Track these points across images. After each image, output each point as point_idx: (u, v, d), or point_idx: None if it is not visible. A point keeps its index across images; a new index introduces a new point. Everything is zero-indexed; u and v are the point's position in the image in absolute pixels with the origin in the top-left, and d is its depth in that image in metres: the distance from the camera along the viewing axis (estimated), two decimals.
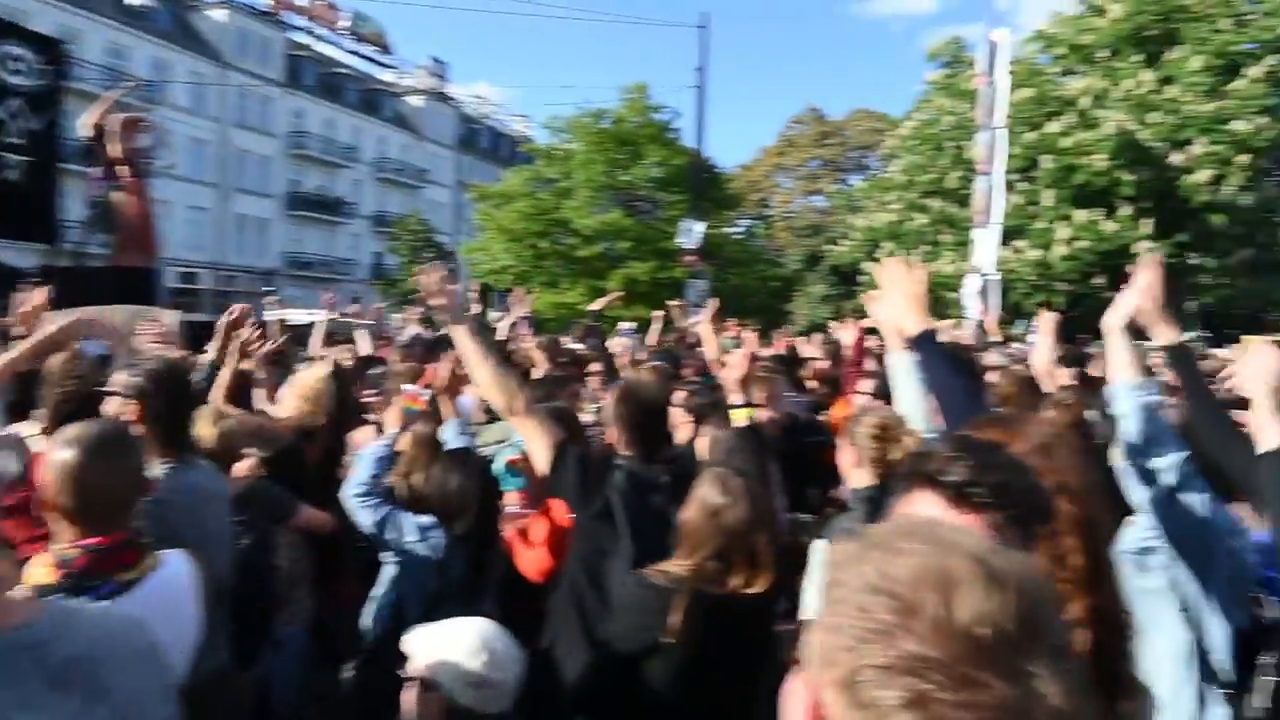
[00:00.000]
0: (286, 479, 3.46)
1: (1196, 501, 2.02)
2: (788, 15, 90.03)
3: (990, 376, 4.57)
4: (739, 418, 3.01)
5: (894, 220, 23.52)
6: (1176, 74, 20.09)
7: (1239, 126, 19.05)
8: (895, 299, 2.30)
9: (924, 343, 2.20)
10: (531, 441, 2.70)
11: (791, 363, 5.81)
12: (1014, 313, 17.83)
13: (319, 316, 8.42)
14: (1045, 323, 4.01)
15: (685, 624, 2.17)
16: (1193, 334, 22.35)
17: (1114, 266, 19.55)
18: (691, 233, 20.26)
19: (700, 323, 4.75)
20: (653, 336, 8.00)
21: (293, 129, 43.59)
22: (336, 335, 7.10)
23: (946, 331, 7.75)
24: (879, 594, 0.70)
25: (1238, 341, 16.93)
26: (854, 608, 0.71)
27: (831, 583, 0.74)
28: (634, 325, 11.74)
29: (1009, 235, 19.24)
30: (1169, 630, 2.12)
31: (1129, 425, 2.07)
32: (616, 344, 7.48)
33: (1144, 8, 20.96)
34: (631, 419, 3.03)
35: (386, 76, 50.90)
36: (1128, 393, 2.09)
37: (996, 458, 1.27)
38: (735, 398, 3.04)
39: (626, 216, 26.28)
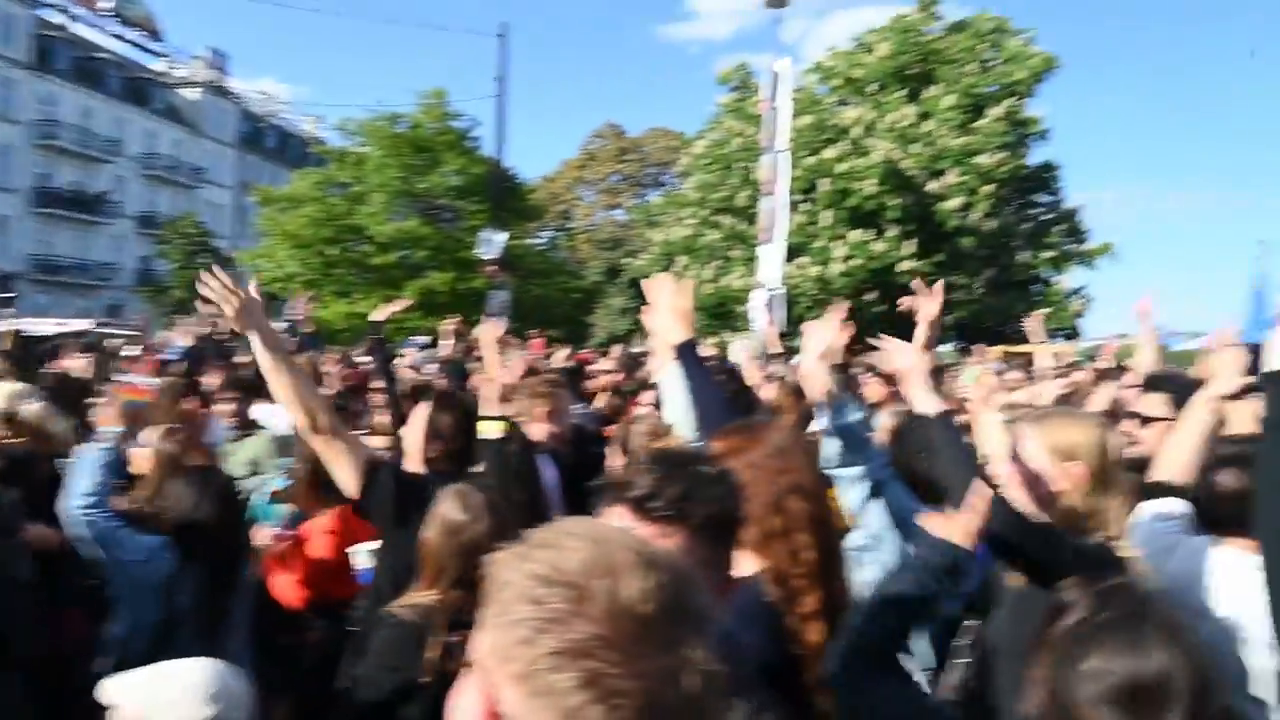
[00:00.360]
0: (18, 488, 3.05)
1: (892, 503, 2.27)
2: (589, 32, 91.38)
3: (767, 386, 4.84)
4: (490, 429, 2.90)
5: (689, 235, 24.42)
6: (933, 109, 22.31)
7: (984, 160, 21.43)
8: (663, 312, 2.35)
9: (685, 353, 2.29)
10: (337, 463, 2.54)
11: (576, 375, 5.85)
12: (798, 325, 19.03)
13: (69, 326, 7.54)
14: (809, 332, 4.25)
15: (441, 660, 2.08)
16: (949, 345, 24.84)
17: (883, 283, 21.38)
18: (492, 243, 20.02)
19: (486, 336, 4.65)
20: (445, 348, 7.82)
21: (41, 117, 38.93)
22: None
23: (739, 344, 8.17)
24: (552, 585, 0.74)
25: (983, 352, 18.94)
26: (527, 602, 0.74)
27: (499, 584, 0.78)
28: (427, 338, 11.41)
29: (792, 252, 20.52)
30: None
31: (832, 441, 2.32)
32: (407, 357, 7.24)
33: (905, 48, 23.15)
34: (455, 428, 2.93)
35: (157, 66, 46.67)
36: (830, 413, 2.36)
37: (680, 471, 1.30)
38: (491, 408, 2.93)
39: (425, 224, 25.59)
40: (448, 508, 2.24)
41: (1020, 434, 2.15)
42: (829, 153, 21.72)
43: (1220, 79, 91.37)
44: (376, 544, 3.06)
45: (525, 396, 4.25)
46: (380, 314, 5.31)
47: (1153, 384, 3.86)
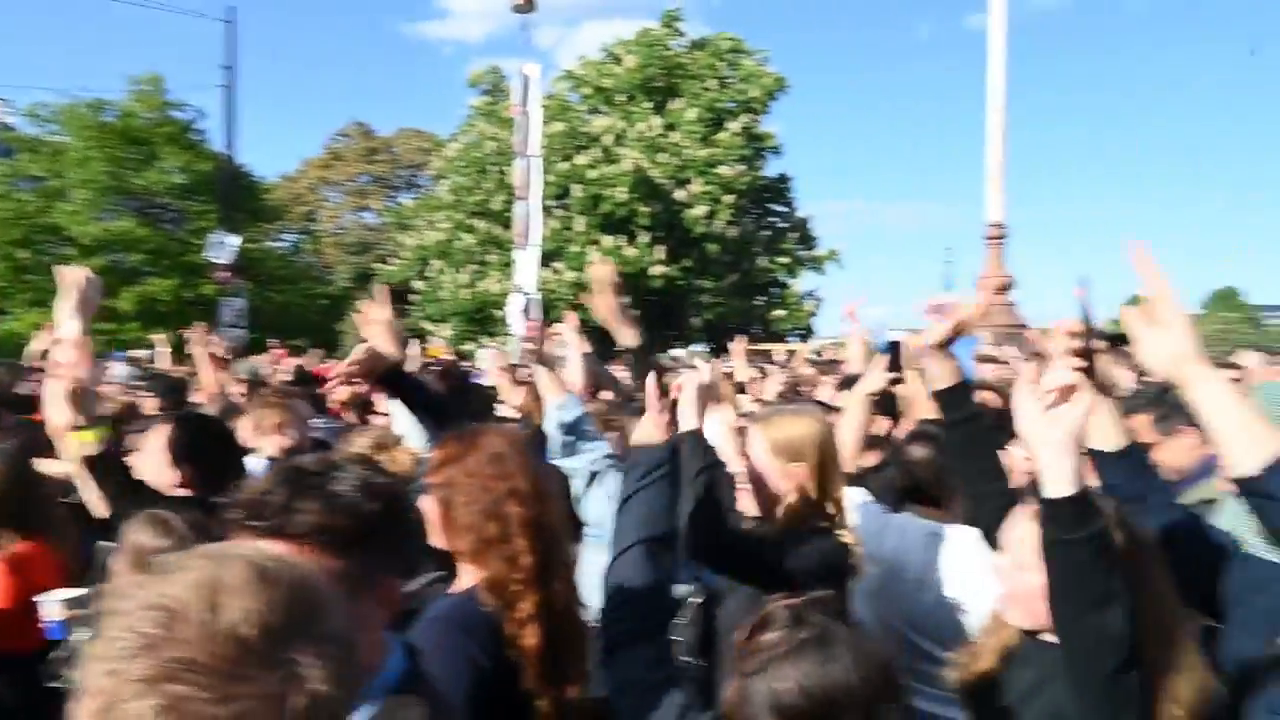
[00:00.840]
0: None
1: (612, 490, 2.39)
2: (331, 22, 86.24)
3: (516, 391, 4.76)
4: (76, 443, 2.38)
5: (443, 239, 23.88)
6: (678, 122, 23.42)
7: (725, 171, 22.80)
8: (374, 332, 2.47)
9: (395, 371, 2.35)
10: (88, 483, 2.39)
11: (306, 383, 5.45)
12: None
13: None
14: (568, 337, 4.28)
15: None
16: (698, 346, 26.15)
17: (636, 288, 22.10)
18: (223, 246, 18.38)
19: (197, 348, 4.21)
20: (163, 361, 7.02)
21: None
22: None
23: (487, 352, 8.07)
24: (149, 610, 0.71)
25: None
26: (123, 630, 0.71)
27: (109, 614, 0.73)
28: (148, 352, 10.23)
29: (548, 257, 20.65)
30: None
31: (555, 435, 2.45)
32: (109, 372, 6.41)
33: (651, 61, 24.11)
34: (192, 449, 2.67)
35: None
36: (554, 410, 2.47)
37: (288, 483, 1.23)
38: (64, 414, 2.36)
39: (142, 225, 23.00)
40: (139, 535, 1.93)
41: (748, 435, 2.26)
42: (581, 159, 22.14)
43: (925, 105, 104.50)
44: (74, 592, 2.63)
45: (257, 407, 3.91)
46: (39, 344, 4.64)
47: (847, 383, 4.23)
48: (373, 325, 2.61)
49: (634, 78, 23.91)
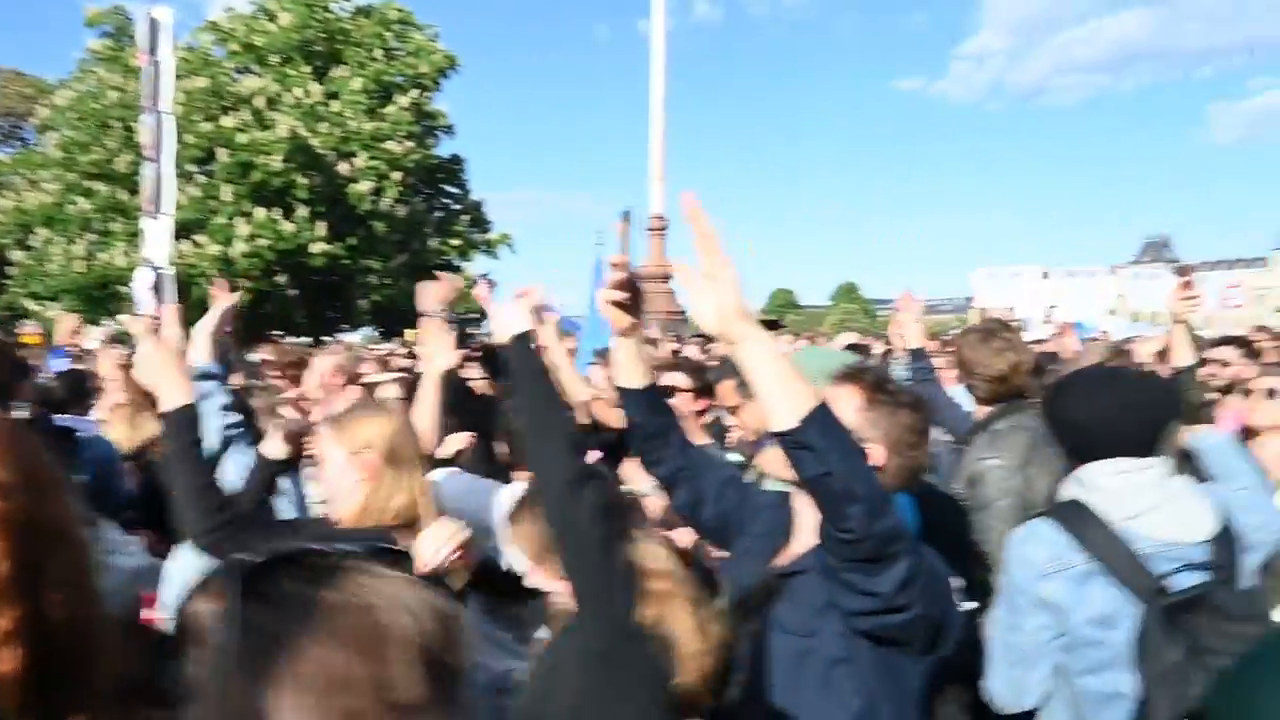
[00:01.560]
0: None
1: (245, 460, 2.38)
2: None
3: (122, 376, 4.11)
4: None
5: (51, 203, 20.31)
6: (341, 90, 21.96)
7: (393, 146, 21.81)
8: None
9: None
10: None
11: None
12: (201, 310, 17.08)
13: None
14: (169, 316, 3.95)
15: None
16: (367, 329, 24.90)
17: (294, 265, 20.43)
18: None
19: None
20: None
21: None
22: None
23: (99, 330, 6.96)
24: None
25: (402, 335, 19.44)
26: None
27: None
28: None
29: (190, 228, 18.40)
30: None
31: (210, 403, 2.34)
32: None
33: (310, 22, 22.32)
34: None
35: None
36: (195, 361, 2.40)
37: None
38: None
39: None
40: None
41: (322, 438, 2.25)
42: (228, 121, 19.94)
43: (599, 100, 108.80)
44: None
45: None
46: None
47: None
48: None
49: (290, 38, 21.98)
